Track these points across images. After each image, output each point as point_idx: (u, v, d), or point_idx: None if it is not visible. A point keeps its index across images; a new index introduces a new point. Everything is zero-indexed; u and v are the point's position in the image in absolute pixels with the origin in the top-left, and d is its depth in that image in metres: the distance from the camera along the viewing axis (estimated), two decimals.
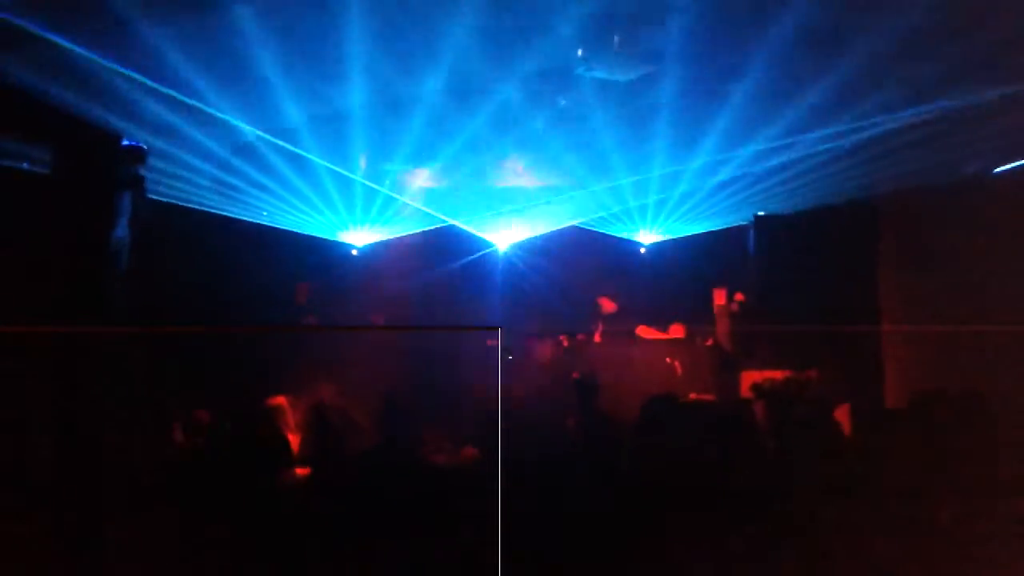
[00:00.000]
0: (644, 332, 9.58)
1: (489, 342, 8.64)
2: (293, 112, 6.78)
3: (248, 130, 7.06)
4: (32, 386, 5.08)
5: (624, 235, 10.92)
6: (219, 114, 6.63)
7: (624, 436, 4.75)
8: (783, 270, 9.45)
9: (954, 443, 4.32)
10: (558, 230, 10.68)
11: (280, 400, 5.97)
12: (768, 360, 8.35)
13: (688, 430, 5.07)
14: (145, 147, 6.90)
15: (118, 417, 5.25)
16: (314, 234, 10.16)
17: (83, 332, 5.64)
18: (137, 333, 6.28)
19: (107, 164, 6.66)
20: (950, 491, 3.90)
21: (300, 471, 4.96)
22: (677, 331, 9.54)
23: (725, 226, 10.34)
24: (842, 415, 5.63)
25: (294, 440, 5.63)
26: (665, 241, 10.89)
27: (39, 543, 3.60)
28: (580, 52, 5.67)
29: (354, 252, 10.55)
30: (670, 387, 8.69)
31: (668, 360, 9.31)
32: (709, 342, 9.45)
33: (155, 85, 6.05)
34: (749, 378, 7.91)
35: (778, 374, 7.48)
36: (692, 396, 8.41)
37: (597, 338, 9.82)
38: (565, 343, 9.57)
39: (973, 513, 3.78)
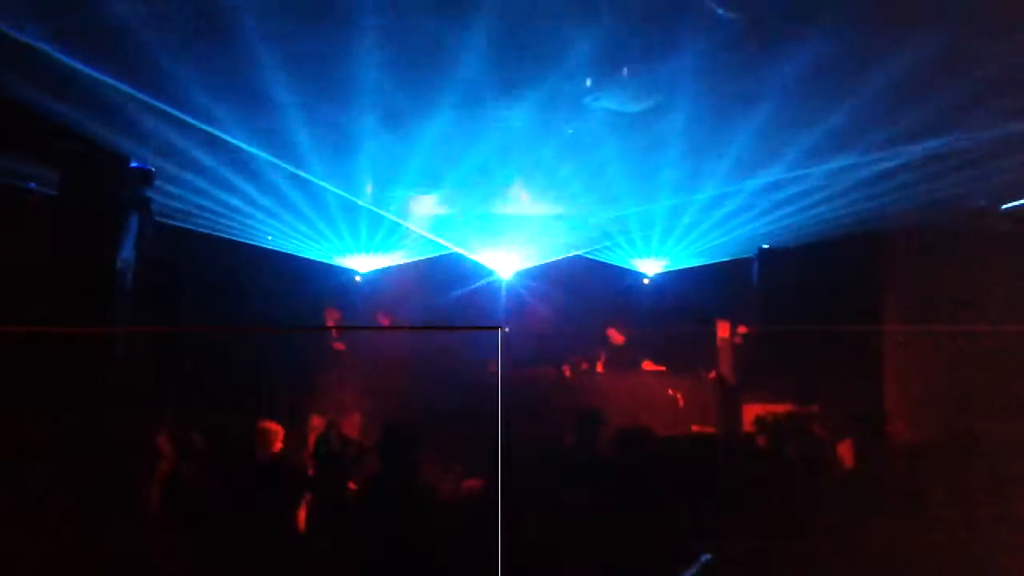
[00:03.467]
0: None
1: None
2: (301, 136, 6.81)
3: (255, 153, 7.08)
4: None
5: (628, 266, 10.92)
6: (226, 136, 6.66)
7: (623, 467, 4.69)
8: (786, 303, 9.45)
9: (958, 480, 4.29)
10: (561, 259, 10.68)
11: (272, 424, 5.93)
12: (771, 393, 8.31)
13: (689, 460, 5.06)
14: (153, 169, 6.95)
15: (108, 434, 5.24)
16: (318, 259, 10.16)
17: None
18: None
19: (115, 186, 6.70)
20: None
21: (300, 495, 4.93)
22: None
23: (729, 258, 10.35)
24: (845, 451, 5.60)
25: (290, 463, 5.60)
26: (669, 272, 10.89)
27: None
28: (589, 82, 5.70)
29: (358, 278, 10.55)
30: (671, 419, 8.68)
31: (670, 392, 9.27)
32: (712, 375, 9.42)
33: (163, 106, 6.08)
34: (752, 412, 7.89)
35: (780, 408, 7.44)
36: (694, 428, 8.38)
37: (599, 368, 9.79)
38: (567, 372, 9.53)
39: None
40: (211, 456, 5.14)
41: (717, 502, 4.24)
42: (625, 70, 5.57)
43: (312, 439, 6.17)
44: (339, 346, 9.48)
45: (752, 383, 8.99)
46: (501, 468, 4.11)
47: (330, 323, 9.57)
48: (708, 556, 3.83)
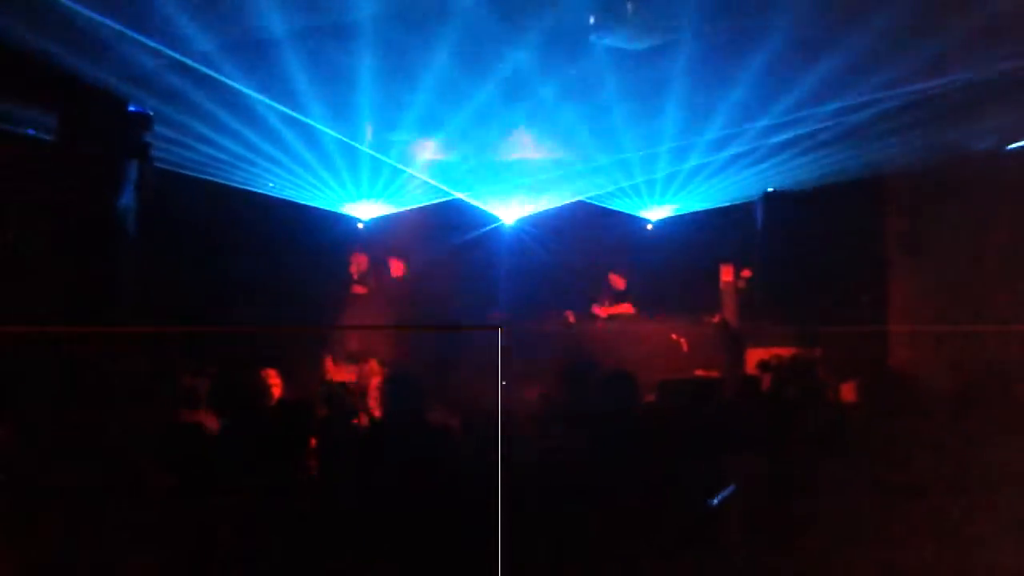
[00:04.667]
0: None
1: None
2: (299, 79, 6.71)
3: (254, 96, 6.99)
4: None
5: (632, 211, 10.87)
6: (224, 79, 6.56)
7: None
8: (792, 247, 9.41)
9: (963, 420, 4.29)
10: (565, 205, 10.61)
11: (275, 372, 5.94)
12: (775, 337, 8.32)
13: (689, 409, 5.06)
14: (151, 113, 6.88)
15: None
16: (320, 206, 10.10)
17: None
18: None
19: (112, 130, 6.63)
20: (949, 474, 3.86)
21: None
22: None
23: (734, 202, 10.28)
24: (848, 392, 5.62)
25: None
26: (673, 217, 10.83)
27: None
28: (592, 19, 5.58)
29: (360, 226, 10.50)
30: (675, 364, 8.70)
31: (674, 337, 9.28)
32: (716, 319, 9.42)
33: (161, 48, 5.99)
34: (755, 355, 7.91)
35: (784, 351, 7.46)
36: (698, 372, 8.41)
37: (603, 314, 9.79)
38: (571, 319, 9.54)
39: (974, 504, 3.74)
40: (216, 401, 5.14)
41: (720, 446, 4.24)
42: (629, 6, 5.45)
43: (322, 383, 6.18)
44: (352, 290, 9.46)
45: (755, 327, 9.00)
46: (502, 414, 4.12)
47: (353, 268, 9.50)
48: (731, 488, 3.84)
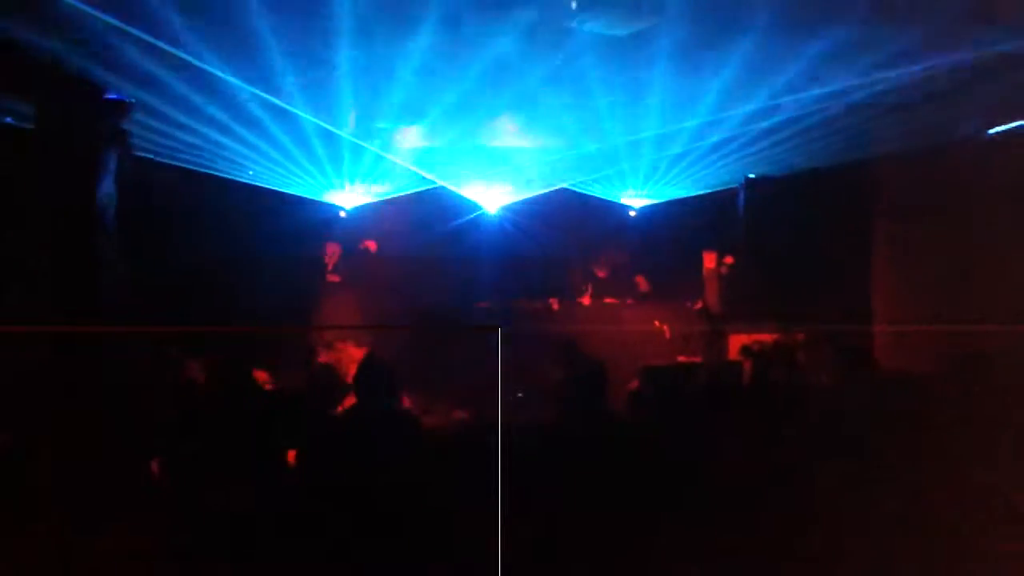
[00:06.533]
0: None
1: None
2: (281, 66, 6.65)
3: (234, 83, 6.92)
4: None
5: (615, 198, 10.88)
6: (204, 66, 6.49)
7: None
8: (773, 233, 9.46)
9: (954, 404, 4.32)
10: (548, 193, 10.60)
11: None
12: (757, 323, 8.35)
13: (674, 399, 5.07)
14: (130, 101, 6.80)
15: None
16: (302, 195, 10.03)
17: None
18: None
19: (90, 118, 6.55)
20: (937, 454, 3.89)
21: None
22: None
23: (715, 189, 10.32)
24: (830, 377, 5.65)
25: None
26: (656, 204, 10.85)
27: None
28: (574, 4, 5.55)
29: (343, 214, 10.45)
30: (658, 350, 8.73)
31: (657, 323, 9.30)
32: (698, 305, 9.46)
33: (139, 34, 5.91)
34: (738, 341, 7.94)
35: (767, 336, 7.49)
36: (680, 358, 8.44)
37: (587, 301, 9.80)
38: (555, 306, 9.54)
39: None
40: (206, 388, 5.11)
41: (704, 432, 4.26)
42: None
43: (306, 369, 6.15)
44: (334, 278, 9.47)
45: (738, 313, 9.05)
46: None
47: (334, 257, 9.50)
48: None
